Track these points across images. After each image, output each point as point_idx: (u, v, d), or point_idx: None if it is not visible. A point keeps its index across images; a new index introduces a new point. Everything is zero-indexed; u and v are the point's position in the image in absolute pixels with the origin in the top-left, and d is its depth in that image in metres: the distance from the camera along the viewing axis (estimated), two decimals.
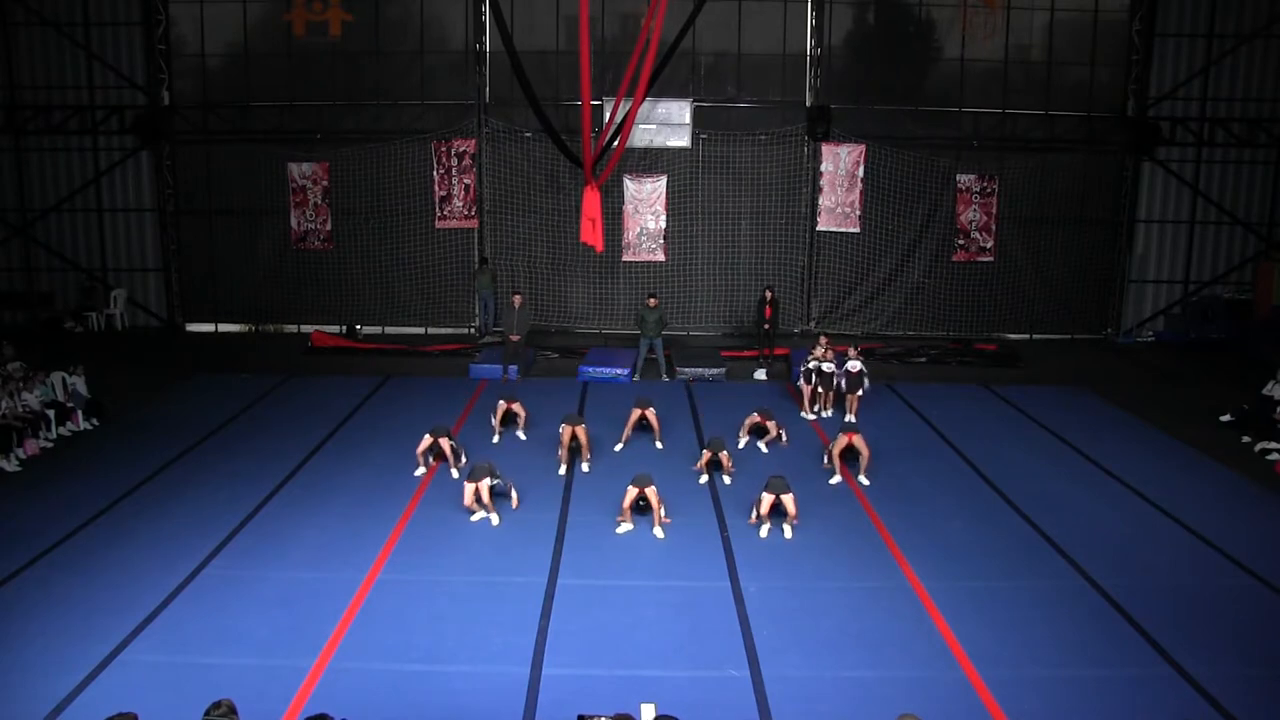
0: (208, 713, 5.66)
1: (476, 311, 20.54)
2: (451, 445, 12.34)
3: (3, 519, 10.64)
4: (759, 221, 20.58)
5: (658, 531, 10.57)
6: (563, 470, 12.45)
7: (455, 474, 12.09)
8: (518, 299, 17.00)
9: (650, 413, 13.41)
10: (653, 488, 10.64)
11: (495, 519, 10.80)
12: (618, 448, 13.28)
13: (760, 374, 17.46)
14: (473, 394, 15.85)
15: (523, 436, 13.75)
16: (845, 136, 20.15)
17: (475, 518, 10.83)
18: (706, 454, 12.31)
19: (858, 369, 14.48)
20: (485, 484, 10.78)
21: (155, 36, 20.18)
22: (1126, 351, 20.33)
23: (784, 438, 13.68)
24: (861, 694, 7.57)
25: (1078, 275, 20.89)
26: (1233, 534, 10.64)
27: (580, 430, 12.52)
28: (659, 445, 13.39)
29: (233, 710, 5.69)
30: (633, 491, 10.62)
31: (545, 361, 18.43)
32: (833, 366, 14.79)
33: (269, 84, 20.40)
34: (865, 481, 12.12)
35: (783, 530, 10.57)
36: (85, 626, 8.33)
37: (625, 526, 10.67)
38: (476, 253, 20.59)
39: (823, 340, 15.35)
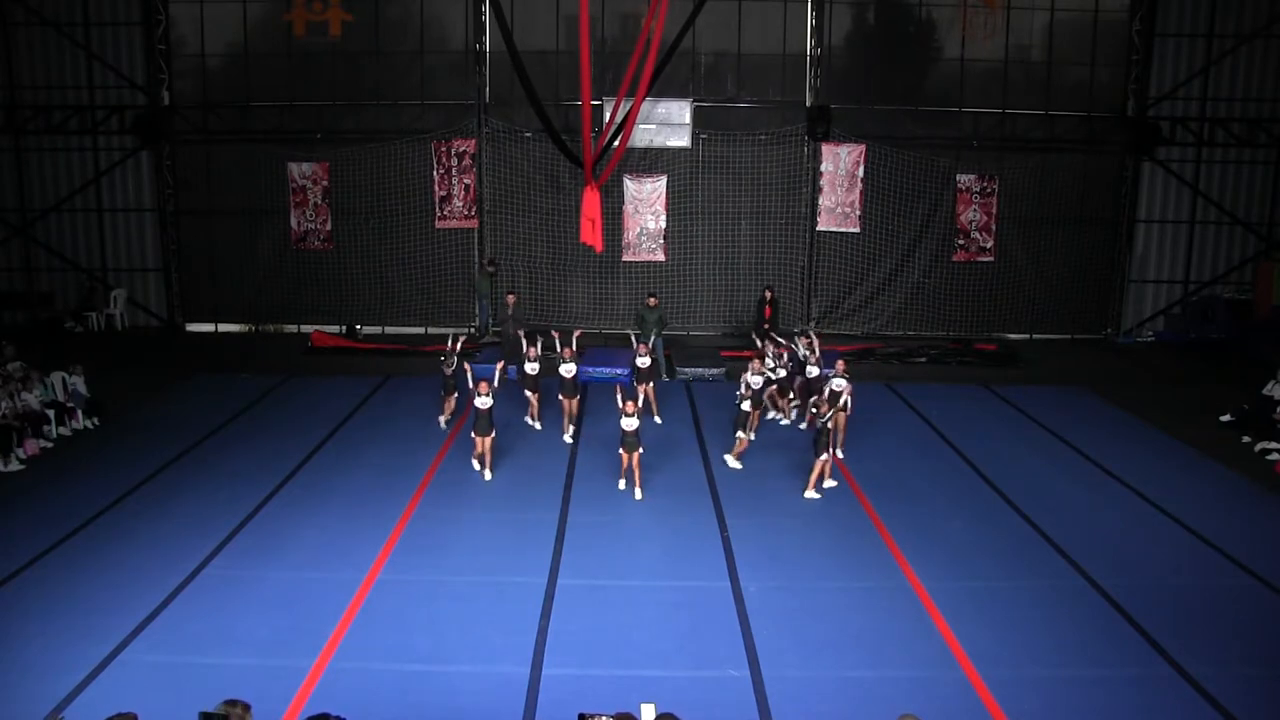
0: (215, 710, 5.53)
1: (476, 312, 20.53)
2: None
3: (3, 519, 10.64)
4: (759, 221, 20.57)
5: (638, 493, 11.43)
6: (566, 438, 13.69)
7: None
8: (511, 298, 17.01)
9: (649, 388, 14.28)
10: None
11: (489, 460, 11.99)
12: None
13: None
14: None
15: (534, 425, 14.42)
16: (845, 136, 20.14)
17: (482, 402, 11.90)
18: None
19: (842, 387, 12.57)
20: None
21: (155, 36, 20.18)
22: (1126, 351, 20.32)
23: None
24: (861, 694, 7.57)
25: (1078, 275, 20.88)
26: (1232, 534, 10.63)
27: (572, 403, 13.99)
28: (658, 420, 14.30)
29: (242, 707, 5.55)
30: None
31: (545, 361, 18.35)
32: (817, 370, 14.00)
33: (269, 84, 20.39)
34: (841, 454, 12.71)
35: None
36: (85, 626, 8.33)
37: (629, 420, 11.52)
38: (476, 253, 20.58)
39: (813, 335, 14.87)
